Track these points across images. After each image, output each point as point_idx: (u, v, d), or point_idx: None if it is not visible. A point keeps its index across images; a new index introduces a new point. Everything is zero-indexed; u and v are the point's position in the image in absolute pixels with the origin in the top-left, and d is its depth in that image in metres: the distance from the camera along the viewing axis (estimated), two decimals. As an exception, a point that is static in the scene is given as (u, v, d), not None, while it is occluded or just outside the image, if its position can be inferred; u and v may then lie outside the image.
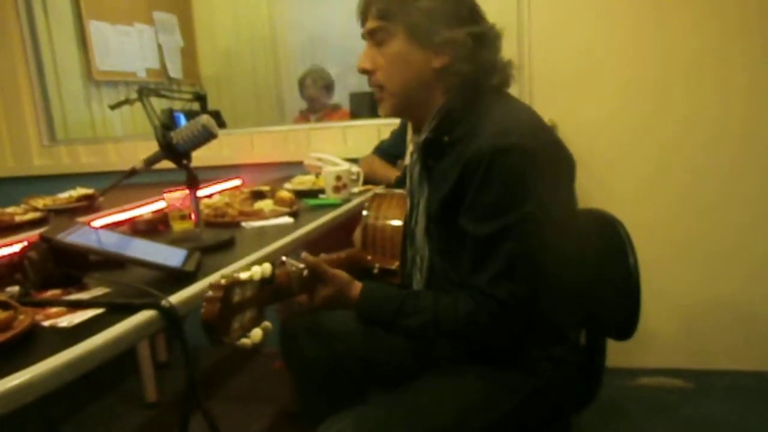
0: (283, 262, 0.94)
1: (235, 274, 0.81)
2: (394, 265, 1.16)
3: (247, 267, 0.85)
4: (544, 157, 0.97)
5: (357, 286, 1.03)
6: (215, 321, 0.76)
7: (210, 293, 0.77)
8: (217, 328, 0.76)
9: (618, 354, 2.17)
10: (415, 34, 1.02)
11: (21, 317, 0.77)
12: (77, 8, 3.14)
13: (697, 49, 2.08)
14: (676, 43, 2.10)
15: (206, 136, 1.20)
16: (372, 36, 1.07)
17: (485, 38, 1.04)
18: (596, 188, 2.07)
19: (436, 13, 1.01)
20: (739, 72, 2.07)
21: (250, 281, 0.82)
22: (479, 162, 0.95)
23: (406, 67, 1.04)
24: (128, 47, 3.50)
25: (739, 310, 2.20)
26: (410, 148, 1.19)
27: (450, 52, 1.02)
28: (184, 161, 1.23)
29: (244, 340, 0.81)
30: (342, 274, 1.02)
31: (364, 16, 1.09)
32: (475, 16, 1.05)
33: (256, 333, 0.83)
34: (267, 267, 0.86)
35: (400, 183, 1.61)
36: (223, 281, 0.78)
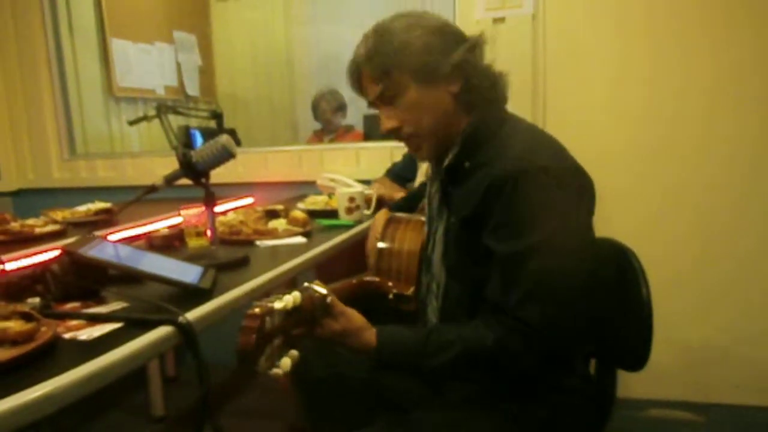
0: (306, 287, 0.94)
1: (269, 303, 0.82)
2: (410, 290, 1.16)
3: (278, 296, 0.85)
4: (568, 180, 0.98)
5: (372, 333, 1.00)
6: (251, 351, 0.77)
7: (245, 322, 0.78)
8: (252, 357, 0.77)
9: (627, 385, 2.18)
10: (423, 76, 1.03)
11: (43, 329, 0.79)
12: (101, 26, 3.23)
13: (711, 82, 2.09)
14: (690, 77, 2.11)
15: (225, 156, 1.23)
16: (381, 98, 1.07)
17: (475, 48, 1.06)
18: (606, 218, 2.07)
19: (432, 48, 1.03)
20: (753, 106, 2.07)
21: (282, 311, 0.83)
22: (505, 182, 0.95)
23: (429, 108, 1.05)
24: (148, 65, 3.59)
25: (751, 343, 2.18)
26: (422, 168, 1.20)
27: (460, 74, 1.04)
28: (203, 180, 1.26)
29: (276, 371, 0.83)
30: (356, 317, 1.00)
31: (360, 86, 1.10)
32: (457, 33, 1.07)
33: (285, 362, 0.84)
34: (297, 295, 0.86)
35: (400, 206, 1.61)
36: (257, 310, 0.79)
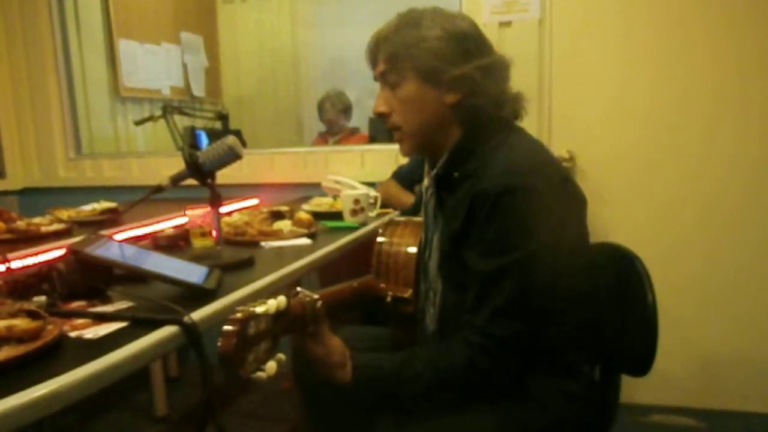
0: (298, 293, 0.94)
1: (251, 308, 0.81)
2: (407, 293, 1.15)
3: (263, 301, 0.85)
4: (551, 196, 0.97)
5: (346, 372, 1.00)
6: (232, 355, 0.76)
7: (227, 327, 0.77)
8: (233, 361, 0.77)
9: (630, 390, 2.17)
10: (426, 75, 1.03)
11: (50, 327, 0.79)
12: (108, 27, 3.25)
13: (715, 85, 2.10)
14: (694, 78, 2.11)
15: (232, 157, 1.23)
16: (384, 78, 1.08)
17: (493, 69, 1.05)
18: (611, 220, 2.07)
19: (444, 53, 1.02)
20: (756, 108, 2.08)
21: (265, 315, 0.83)
22: (486, 200, 0.96)
23: (421, 108, 1.06)
24: (154, 65, 3.60)
25: (756, 348, 2.17)
26: (426, 182, 1.20)
27: (461, 88, 1.03)
28: (209, 180, 1.26)
29: (260, 374, 0.82)
30: (336, 352, 0.99)
31: (373, 59, 1.11)
32: (481, 48, 1.06)
33: (271, 366, 0.84)
34: (282, 300, 0.86)
35: (414, 210, 1.62)
36: (239, 315, 0.79)
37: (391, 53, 1.05)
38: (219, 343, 0.77)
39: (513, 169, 0.98)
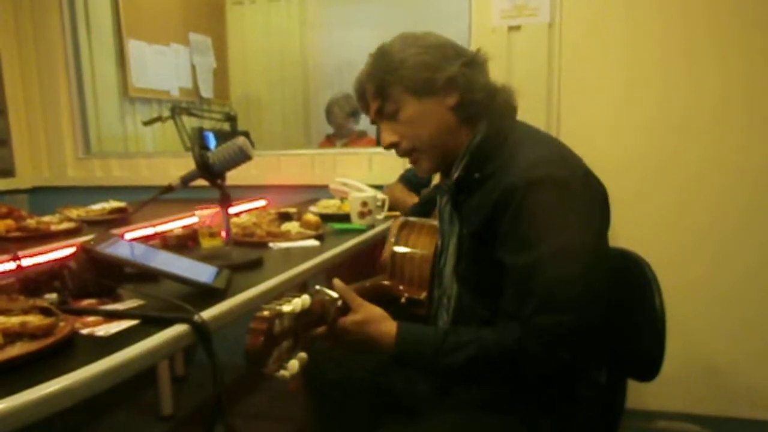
0: (318, 291, 0.95)
1: (277, 306, 0.83)
2: (422, 295, 1.16)
3: (287, 299, 0.86)
4: (576, 187, 0.98)
5: (392, 324, 1.02)
6: (259, 353, 0.78)
7: (253, 324, 0.79)
8: (259, 359, 0.78)
9: (635, 395, 2.16)
10: (419, 90, 1.06)
11: (62, 324, 0.80)
12: (118, 27, 3.27)
13: (721, 89, 2.09)
14: (702, 83, 2.10)
15: (242, 158, 1.24)
16: (381, 113, 1.11)
17: (476, 63, 1.08)
18: (616, 225, 2.06)
19: (428, 63, 1.05)
20: (762, 114, 2.07)
21: (290, 313, 0.84)
22: (512, 195, 0.96)
23: (427, 121, 1.07)
24: (163, 66, 3.62)
25: (763, 354, 2.15)
26: (434, 183, 1.21)
27: (456, 87, 1.05)
28: (219, 181, 1.27)
29: (283, 372, 0.83)
30: (376, 308, 1.02)
31: (365, 103, 1.13)
32: (457, 49, 1.09)
33: (293, 364, 0.85)
34: (306, 299, 0.87)
35: (414, 212, 1.62)
36: (266, 313, 0.80)
37: (377, 86, 1.08)
38: (246, 341, 0.78)
39: (537, 162, 0.99)
